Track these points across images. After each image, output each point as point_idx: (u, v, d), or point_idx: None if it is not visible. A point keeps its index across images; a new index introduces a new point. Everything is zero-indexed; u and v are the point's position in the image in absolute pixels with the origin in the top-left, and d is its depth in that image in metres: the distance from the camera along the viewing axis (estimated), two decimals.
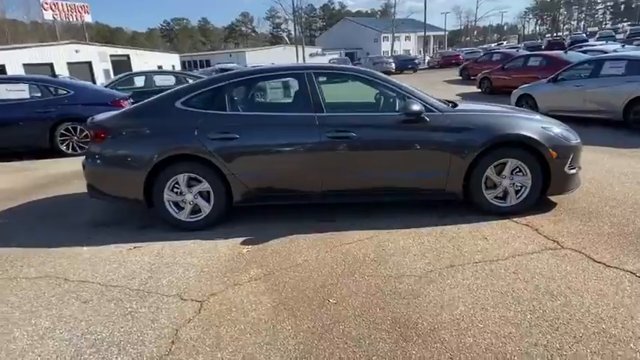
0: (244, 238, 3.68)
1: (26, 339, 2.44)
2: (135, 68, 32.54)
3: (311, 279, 2.93)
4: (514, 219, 3.75)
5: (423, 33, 64.26)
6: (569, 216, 3.74)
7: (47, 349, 2.34)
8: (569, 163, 3.79)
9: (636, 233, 3.30)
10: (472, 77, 19.19)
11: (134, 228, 4.10)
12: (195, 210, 3.92)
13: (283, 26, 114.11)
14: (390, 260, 3.12)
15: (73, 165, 7.04)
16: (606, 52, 12.30)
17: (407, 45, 68.93)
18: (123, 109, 4.16)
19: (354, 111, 4.08)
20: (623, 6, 75.27)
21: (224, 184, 3.83)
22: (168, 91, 4.17)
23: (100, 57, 32.65)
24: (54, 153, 7.81)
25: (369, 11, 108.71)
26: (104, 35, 79.90)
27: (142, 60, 35.96)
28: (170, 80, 11.33)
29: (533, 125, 3.81)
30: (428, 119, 3.71)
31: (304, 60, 41.26)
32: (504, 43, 46.79)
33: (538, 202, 3.88)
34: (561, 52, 13.50)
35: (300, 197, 3.93)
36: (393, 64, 28.21)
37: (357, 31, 68.36)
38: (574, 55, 12.24)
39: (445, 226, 3.67)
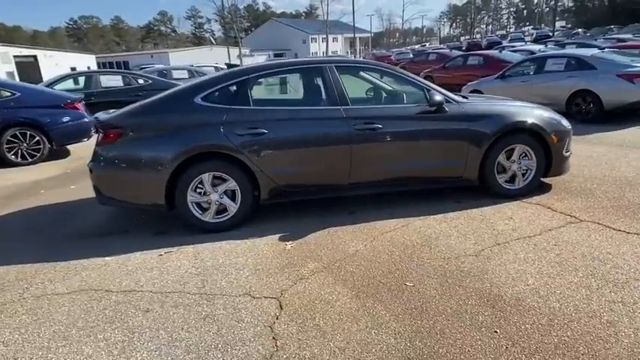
0: (279, 235, 3.63)
1: (105, 355, 2.23)
2: (44, 70, 29.60)
3: (374, 267, 2.98)
4: (524, 200, 4.08)
5: (349, 35, 66.04)
6: (569, 195, 4.15)
7: None
8: (565, 146, 4.22)
9: (633, 205, 3.76)
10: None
11: (149, 234, 3.85)
12: (220, 210, 3.78)
13: (206, 26, 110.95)
14: (438, 243, 3.27)
15: (30, 174, 6.42)
16: (533, 52, 13.60)
17: (334, 46, 70.28)
18: (132, 107, 3.88)
19: (372, 103, 4.17)
20: (525, 11, 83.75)
21: (251, 181, 3.74)
22: (181, 86, 3.98)
23: (0, 58, 29.12)
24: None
25: (293, 12, 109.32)
26: None
27: (53, 61, 32.64)
28: (118, 80, 10.61)
29: (535, 113, 4.17)
30: (447, 110, 3.92)
31: (235, 61, 40.48)
32: (427, 44, 49.66)
33: (537, 185, 4.27)
34: (497, 51, 14.70)
35: (328, 191, 3.95)
36: None
37: (285, 32, 68.47)
38: (508, 55, 13.41)
39: (468, 210, 3.90)
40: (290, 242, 3.48)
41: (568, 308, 2.35)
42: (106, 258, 3.40)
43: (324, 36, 71.72)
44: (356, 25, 67.27)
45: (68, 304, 2.75)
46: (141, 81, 10.85)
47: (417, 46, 45.75)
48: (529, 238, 3.26)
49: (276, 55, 60.44)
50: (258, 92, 3.89)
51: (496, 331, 2.21)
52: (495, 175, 4.12)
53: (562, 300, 2.43)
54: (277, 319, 2.44)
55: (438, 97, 3.86)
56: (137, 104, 3.93)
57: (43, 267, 3.31)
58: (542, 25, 62.64)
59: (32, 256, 3.51)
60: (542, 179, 4.29)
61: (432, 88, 4.04)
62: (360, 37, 69.96)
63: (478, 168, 4.06)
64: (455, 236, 3.38)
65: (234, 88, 3.81)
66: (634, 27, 25.12)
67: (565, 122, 4.32)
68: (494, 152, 4.04)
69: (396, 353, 2.10)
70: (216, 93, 3.79)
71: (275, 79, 4.06)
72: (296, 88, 4.18)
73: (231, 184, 3.71)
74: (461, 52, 18.13)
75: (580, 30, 31.56)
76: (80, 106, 7.72)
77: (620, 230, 3.27)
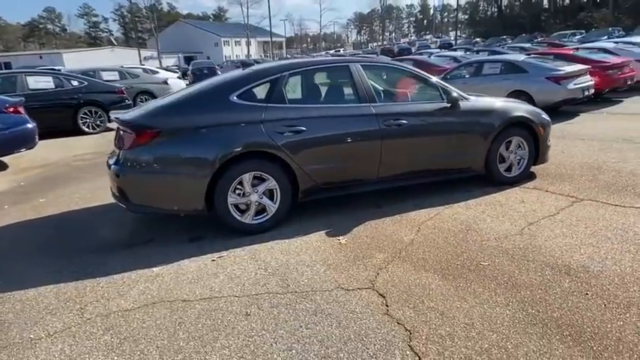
0: (324, 231, 3.66)
1: None
2: None
3: (439, 252, 3.17)
4: (522, 186, 4.58)
5: (262, 39, 65.82)
6: (555, 180, 4.74)
7: None
8: (548, 137, 4.82)
9: (610, 184, 4.43)
10: None
11: (181, 241, 3.64)
12: (258, 211, 3.70)
13: (103, 26, 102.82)
14: (479, 227, 3.56)
15: None
16: (456, 58, 14.96)
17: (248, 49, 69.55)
18: (161, 105, 3.63)
19: (393, 100, 4.36)
20: (425, 21, 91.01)
21: (290, 180, 3.72)
22: (208, 84, 3.83)
23: None
24: None
25: (200, 14, 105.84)
26: None
27: None
28: (48, 82, 9.53)
29: (525, 107, 4.71)
30: (461, 106, 4.27)
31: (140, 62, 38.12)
32: (341, 50, 51.46)
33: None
34: (426, 56, 15.87)
35: (359, 185, 4.06)
36: None
37: (196, 34, 66.15)
38: (437, 60, 14.59)
39: (482, 197, 4.28)
40: (341, 237, 3.53)
41: (627, 269, 2.77)
42: (154, 269, 3.16)
43: (238, 39, 70.68)
44: (268, 29, 67.37)
45: (149, 317, 2.54)
46: (75, 83, 9.92)
47: (331, 51, 47.23)
48: (552, 216, 3.70)
49: (186, 58, 58.15)
50: (291, 90, 3.87)
51: (587, 294, 2.53)
52: (497, 164, 4.57)
53: (618, 263, 2.84)
54: (388, 306, 2.52)
55: (454, 94, 4.19)
56: (164, 103, 3.72)
57: (83, 284, 2.98)
58: (441, 34, 68.58)
59: (60, 275, 3.15)
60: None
61: (445, 85, 4.36)
62: (270, 42, 70.16)
63: (484, 159, 4.47)
64: (489, 220, 3.71)
65: (268, 86, 3.77)
66: (522, 38, 28.74)
67: (545, 115, 4.93)
68: (497, 144, 4.48)
69: (518, 323, 2.31)
70: (251, 91, 3.71)
71: (305, 77, 4.05)
72: (326, 85, 4.22)
73: (271, 183, 3.66)
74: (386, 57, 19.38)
75: (478, 39, 35.28)
76: (22, 109, 6.86)
77: (617, 205, 3.86)
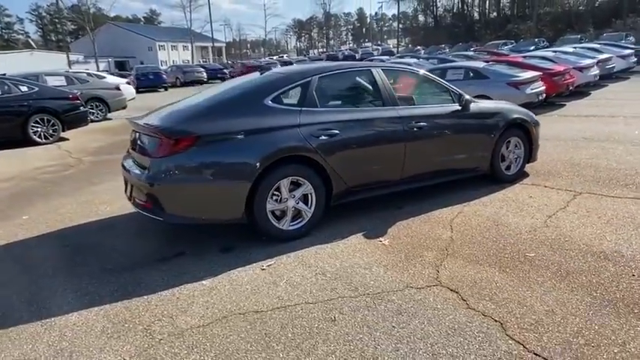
0: (361, 234, 3.69)
1: None
2: None
3: (482, 247, 3.33)
4: (521, 183, 4.91)
5: (199, 44, 64.11)
6: (547, 176, 5.13)
7: None
8: (538, 137, 5.21)
9: (596, 179, 4.87)
10: None
11: (216, 252, 3.50)
12: (293, 216, 3.65)
13: (17, 27, 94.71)
14: (506, 222, 3.78)
15: None
16: (409, 64, 15.64)
17: (186, 55, 67.39)
18: (195, 110, 3.47)
19: (410, 103, 4.47)
20: (364, 29, 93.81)
21: (325, 184, 3.71)
22: (241, 88, 3.74)
23: None
24: None
25: (130, 17, 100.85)
26: None
27: None
28: None
29: (520, 109, 5.07)
30: (471, 108, 4.51)
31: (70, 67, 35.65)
32: (285, 56, 51.56)
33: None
34: (379, 63, 16.36)
35: (384, 187, 4.13)
36: (205, 74, 27.65)
37: (128, 38, 62.79)
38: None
39: (492, 195, 4.53)
40: (381, 238, 3.58)
41: None
42: (203, 282, 3.01)
43: (174, 44, 68.23)
44: (206, 34, 65.74)
45: (230, 332, 2.43)
46: (24, 88, 9.11)
47: (274, 57, 47.21)
48: (564, 209, 4.01)
49: (117, 63, 55.20)
50: (320, 93, 3.85)
51: (633, 274, 2.79)
52: (500, 163, 4.87)
53: None
54: (466, 301, 2.61)
55: (466, 97, 4.42)
56: (198, 107, 3.58)
57: (133, 304, 2.77)
58: (380, 42, 71.12)
59: (98, 296, 2.91)
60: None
61: (455, 89, 4.58)
62: (212, 47, 68.56)
63: (490, 158, 4.74)
64: (511, 215, 3.94)
65: (300, 89, 3.74)
66: (460, 46, 30.67)
67: (534, 116, 5.33)
68: (500, 143, 4.78)
69: (591, 306, 2.50)
70: (284, 95, 3.67)
71: (332, 81, 4.04)
72: (352, 89, 4.25)
73: (307, 188, 3.63)
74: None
75: (419, 47, 37.06)
76: None
77: (614, 196, 4.27)
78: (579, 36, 27.39)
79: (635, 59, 15.97)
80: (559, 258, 3.08)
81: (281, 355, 2.21)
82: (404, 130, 4.04)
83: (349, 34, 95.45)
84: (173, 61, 58.70)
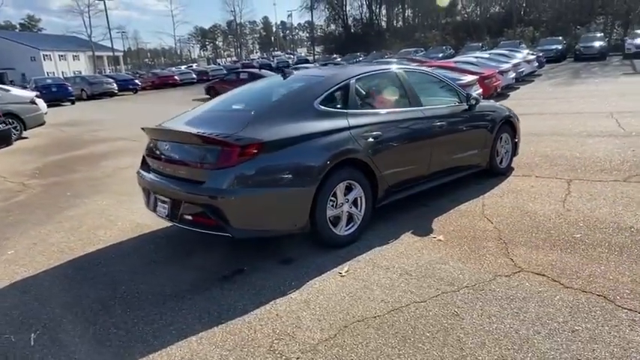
0: (410, 232, 3.75)
1: None
2: None
3: (529, 233, 3.57)
4: (514, 175, 5.34)
5: (92, 52, 58.93)
6: (532, 168, 5.62)
7: None
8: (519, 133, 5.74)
9: (578, 167, 5.49)
10: None
11: (276, 265, 3.33)
12: (346, 221, 3.60)
13: None
14: (530, 209, 4.09)
15: None
16: (307, 69, 17.17)
17: (77, 65, 61.58)
18: (247, 116, 3.23)
19: (431, 104, 4.60)
20: (273, 37, 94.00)
21: (372, 186, 3.71)
22: (289, 91, 3.59)
23: None
24: None
25: (2, 23, 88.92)
26: None
27: None
28: None
29: (506, 108, 5.53)
30: (476, 107, 4.82)
31: None
32: (194, 65, 49.60)
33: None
34: (256, 69, 20.69)
35: (415, 186, 4.22)
36: (115, 85, 25.51)
37: (4, 47, 55.09)
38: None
39: (498, 187, 4.87)
40: (433, 235, 3.67)
41: None
42: (292, 296, 2.87)
43: (62, 53, 62.11)
44: (101, 43, 60.84)
45: (364, 339, 2.35)
46: None
47: (182, 67, 45.32)
48: (569, 194, 4.46)
49: None
50: (358, 96, 3.84)
51: None
52: (495, 157, 5.26)
53: None
54: (559, 281, 2.79)
55: (474, 96, 4.72)
56: (248, 113, 3.37)
57: (233, 328, 2.54)
58: (290, 51, 72.00)
59: (185, 325, 2.60)
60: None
61: (461, 89, 4.87)
62: (107, 56, 63.62)
63: (489, 153, 5.11)
64: (530, 203, 4.28)
65: (341, 92, 3.71)
66: (374, 54, 32.30)
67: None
68: (496, 140, 5.17)
69: None
70: (330, 97, 3.62)
71: (365, 84, 4.02)
72: (384, 91, 4.26)
73: (358, 191, 3.60)
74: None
75: (335, 55, 38.28)
76: None
77: (601, 181, 4.83)
78: (481, 44, 30.56)
79: (537, 64, 18.24)
80: (602, 235, 3.43)
81: (435, 353, 2.19)
82: (429, 128, 4.19)
83: (255, 42, 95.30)
84: (62, 72, 52.93)
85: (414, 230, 3.80)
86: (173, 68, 44.10)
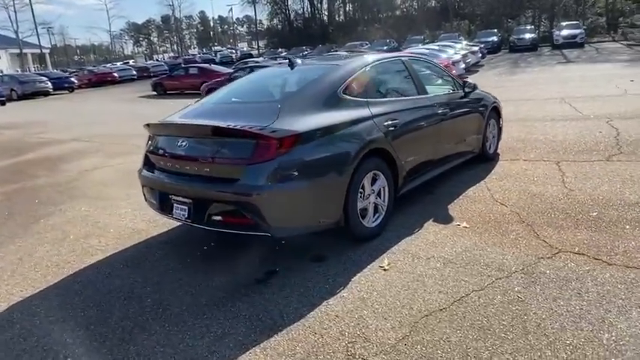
0: (431, 220, 3.72)
1: None
2: None
3: (548, 215, 3.66)
4: (502, 160, 5.50)
5: (16, 50, 54.21)
6: (516, 152, 5.79)
7: None
8: None
9: (562, 149, 5.73)
10: (169, 92, 19.38)
11: (308, 263, 3.16)
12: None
13: None
14: (536, 192, 4.19)
15: None
16: (258, 63, 17.60)
17: None
18: (275, 106, 2.99)
19: (434, 92, 4.54)
20: (212, 32, 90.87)
21: (393, 175, 3.63)
22: (313, 79, 3.38)
23: None
24: None
25: None
26: None
27: None
28: None
29: (490, 94, 5.67)
30: (471, 94, 4.89)
31: None
32: (131, 62, 46.73)
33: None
34: (207, 64, 20.61)
35: (425, 173, 4.18)
36: (49, 83, 23.33)
37: None
38: (217, 67, 20.22)
39: (493, 172, 4.97)
40: (457, 222, 3.66)
41: None
42: (343, 294, 2.71)
43: None
44: (23, 40, 55.81)
45: (444, 334, 2.24)
46: None
47: (118, 64, 42.65)
48: (564, 175, 4.63)
49: None
50: (373, 84, 3.72)
51: None
52: (486, 143, 5.39)
53: None
54: (601, 259, 2.87)
55: (469, 84, 4.76)
56: (274, 102, 3.15)
57: (292, 334, 2.36)
58: (230, 46, 70.07)
59: (238, 332, 2.37)
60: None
61: (456, 77, 4.90)
62: (31, 53, 58.46)
63: (482, 140, 5.22)
64: (533, 186, 4.39)
65: (360, 80, 3.58)
66: (320, 48, 32.32)
67: None
68: (486, 126, 5.29)
69: None
70: (350, 86, 3.48)
71: (377, 71, 3.87)
72: (394, 79, 4.15)
73: (382, 181, 3.51)
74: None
75: (281, 49, 37.74)
76: None
77: (585, 161, 5.08)
78: (422, 37, 31.56)
79: (480, 55, 19.14)
80: (616, 212, 3.59)
81: (522, 342, 2.14)
82: (436, 115, 4.18)
83: (192, 37, 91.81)
84: None
85: (435, 218, 3.77)
86: (108, 65, 41.45)
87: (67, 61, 74.53)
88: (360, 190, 3.30)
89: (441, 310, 2.47)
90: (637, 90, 9.82)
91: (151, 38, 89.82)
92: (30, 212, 4.83)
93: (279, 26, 49.20)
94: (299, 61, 4.08)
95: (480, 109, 5.06)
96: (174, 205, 3.13)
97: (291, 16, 48.10)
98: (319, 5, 47.04)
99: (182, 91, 19.29)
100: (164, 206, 3.23)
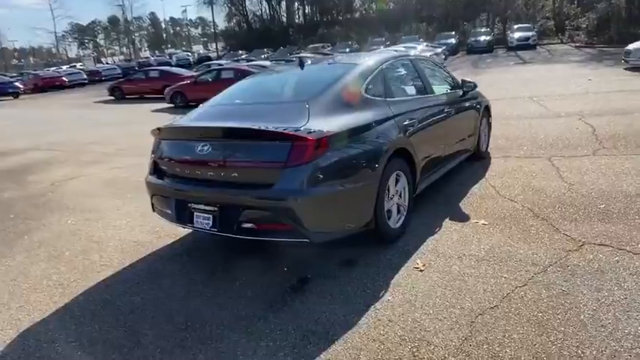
0: (447, 220, 3.73)
1: None
2: None
3: (560, 209, 3.75)
4: (494, 157, 5.63)
5: None
6: (505, 150, 5.96)
7: None
8: None
9: (547, 145, 5.94)
10: (128, 96, 18.56)
11: (339, 269, 3.07)
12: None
13: None
14: (539, 187, 4.31)
15: None
16: (221, 65, 18.30)
17: None
18: (305, 105, 2.87)
19: (439, 91, 4.55)
20: (165, 35, 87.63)
21: (412, 175, 3.61)
22: (336, 78, 3.29)
23: None
24: None
25: None
26: None
27: None
28: None
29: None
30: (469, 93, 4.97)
31: None
32: (78, 65, 44.27)
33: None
34: (168, 67, 21.85)
35: (435, 171, 4.19)
36: None
37: None
38: (179, 70, 20.11)
39: (491, 170, 5.08)
40: (475, 220, 3.68)
41: None
42: (388, 298, 2.65)
43: None
44: None
45: (511, 335, 2.22)
46: None
47: (64, 67, 40.37)
48: (559, 170, 4.80)
49: None
50: (389, 84, 3.67)
51: None
52: (480, 142, 5.50)
53: None
54: (625, 249, 2.96)
55: (468, 84, 4.84)
56: (307, 102, 3.00)
57: (351, 343, 2.26)
58: (184, 49, 68.20)
59: (290, 350, 2.25)
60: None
61: (454, 77, 4.97)
62: None
63: (477, 138, 5.32)
64: (534, 181, 4.50)
65: (378, 79, 3.54)
66: (282, 50, 32.17)
67: None
68: (480, 124, 5.41)
69: None
70: (370, 85, 3.43)
71: (392, 71, 3.82)
72: (406, 78, 4.11)
73: (403, 181, 3.48)
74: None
75: (242, 52, 37.09)
76: None
77: (574, 157, 5.28)
78: (384, 39, 32.09)
79: (444, 56, 19.73)
80: (621, 204, 3.74)
81: (583, 334, 2.16)
82: (443, 113, 4.22)
83: (143, 40, 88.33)
84: None
85: (451, 217, 3.79)
86: (52, 68, 39.22)
87: (4, 64, 69.74)
88: (386, 191, 3.25)
89: (492, 307, 2.45)
90: (596, 89, 10.44)
91: (98, 40, 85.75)
92: (8, 228, 4.41)
93: (236, 28, 48.44)
94: (309, 61, 3.98)
95: (477, 107, 5.16)
96: (195, 213, 2.94)
97: (250, 18, 47.57)
98: (278, 7, 46.80)
99: (142, 95, 18.58)
100: (182, 216, 3.03)
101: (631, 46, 13.66)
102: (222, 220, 2.82)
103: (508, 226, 3.51)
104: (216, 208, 2.84)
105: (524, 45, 25.76)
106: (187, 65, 33.54)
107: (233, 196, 2.76)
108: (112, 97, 19.22)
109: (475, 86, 4.91)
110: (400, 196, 3.49)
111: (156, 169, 3.27)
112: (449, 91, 4.70)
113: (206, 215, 2.88)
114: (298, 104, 3.04)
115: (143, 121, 12.40)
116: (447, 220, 3.74)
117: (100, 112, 15.49)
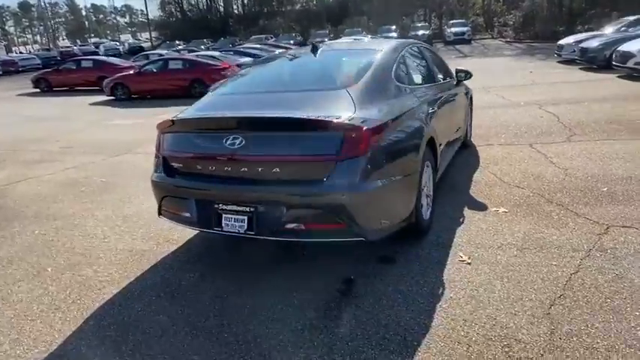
0: (466, 209, 3.68)
1: None
2: None
3: (565, 193, 3.84)
4: (478, 145, 5.72)
5: None
6: (487, 138, 6.08)
7: None
8: None
9: (522, 134, 6.15)
10: (56, 88, 16.87)
11: (381, 265, 2.90)
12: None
13: None
14: (538, 172, 4.41)
15: None
16: (162, 55, 17.52)
17: None
18: (347, 93, 2.60)
19: (440, 79, 4.46)
20: (87, 23, 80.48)
21: (435, 164, 3.50)
22: (368, 65, 3.06)
23: None
24: None
25: None
26: None
27: None
28: None
29: None
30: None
31: None
32: None
33: None
34: (106, 57, 21.21)
35: (446, 158, 4.11)
36: None
37: None
38: (117, 60, 19.26)
39: (481, 157, 5.16)
40: (495, 209, 3.65)
41: None
42: (448, 295, 2.49)
43: None
44: None
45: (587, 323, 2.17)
46: None
47: None
48: (547, 157, 4.97)
49: None
50: (410, 69, 3.51)
51: None
52: (467, 130, 5.55)
53: None
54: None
55: (461, 73, 4.82)
56: (348, 89, 2.73)
57: (434, 348, 2.09)
58: (112, 38, 63.37)
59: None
60: None
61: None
62: None
63: (467, 127, 5.36)
64: (530, 167, 4.60)
65: (402, 66, 3.36)
66: (223, 41, 30.96)
67: None
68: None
69: None
70: (397, 72, 3.23)
71: (409, 58, 3.63)
72: (419, 66, 3.92)
73: (430, 171, 3.35)
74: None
75: (178, 42, 35.09)
76: None
77: (558, 143, 5.48)
78: (327, 31, 32.02)
79: None
80: (621, 187, 3.90)
81: None
82: (449, 101, 4.18)
83: (61, 28, 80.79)
84: None
85: (468, 205, 3.74)
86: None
87: None
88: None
89: (560, 297, 2.40)
90: (540, 80, 11.12)
91: (7, 28, 77.33)
92: None
93: (171, 18, 45.86)
94: (323, 45, 3.71)
95: (467, 94, 5.18)
96: (224, 216, 2.59)
97: (184, 7, 45.22)
98: None
99: (72, 88, 16.97)
100: (206, 219, 2.66)
101: (563, 41, 14.75)
102: (261, 222, 2.49)
103: (529, 213, 3.52)
104: (252, 209, 2.51)
105: (460, 40, 26.99)
106: (118, 55, 31.40)
107: (276, 194, 2.45)
108: (38, 90, 17.34)
109: (470, 75, 4.90)
110: (426, 186, 3.36)
111: (166, 167, 2.85)
112: (448, 78, 4.65)
113: (239, 217, 2.54)
114: (337, 92, 2.77)
115: (82, 116, 11.31)
116: (465, 209, 3.68)
117: (28, 106, 13.86)
